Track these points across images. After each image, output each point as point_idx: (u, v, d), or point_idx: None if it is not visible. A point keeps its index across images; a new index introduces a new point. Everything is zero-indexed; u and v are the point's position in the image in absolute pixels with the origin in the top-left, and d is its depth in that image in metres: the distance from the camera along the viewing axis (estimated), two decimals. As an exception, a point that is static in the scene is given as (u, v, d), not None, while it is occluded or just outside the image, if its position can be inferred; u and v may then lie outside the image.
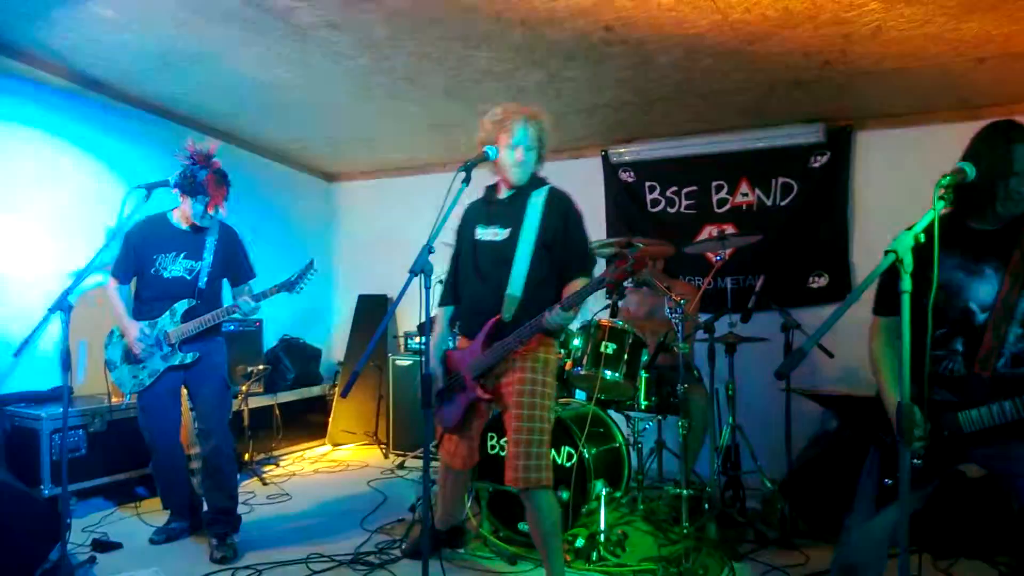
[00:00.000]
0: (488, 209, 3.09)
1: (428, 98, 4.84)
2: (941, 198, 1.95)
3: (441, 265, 3.05)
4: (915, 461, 2.16)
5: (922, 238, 1.87)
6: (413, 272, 2.43)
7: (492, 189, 3.14)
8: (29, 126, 4.55)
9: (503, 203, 3.05)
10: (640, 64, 4.13)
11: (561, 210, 2.96)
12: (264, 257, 4.18)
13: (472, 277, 3.07)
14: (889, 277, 2.19)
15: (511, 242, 2.94)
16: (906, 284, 1.80)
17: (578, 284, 2.84)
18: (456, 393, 3.08)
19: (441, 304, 3.27)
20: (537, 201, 2.97)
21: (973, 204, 2.23)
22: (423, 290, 2.43)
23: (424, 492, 2.49)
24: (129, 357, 3.72)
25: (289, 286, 3.73)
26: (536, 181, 3.05)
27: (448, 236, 3.04)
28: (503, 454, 3.57)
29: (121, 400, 4.42)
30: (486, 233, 3.04)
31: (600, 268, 2.84)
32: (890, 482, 2.23)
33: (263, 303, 3.76)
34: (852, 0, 3.31)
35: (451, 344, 3.29)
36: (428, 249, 2.47)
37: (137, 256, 3.71)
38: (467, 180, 2.79)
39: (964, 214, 2.28)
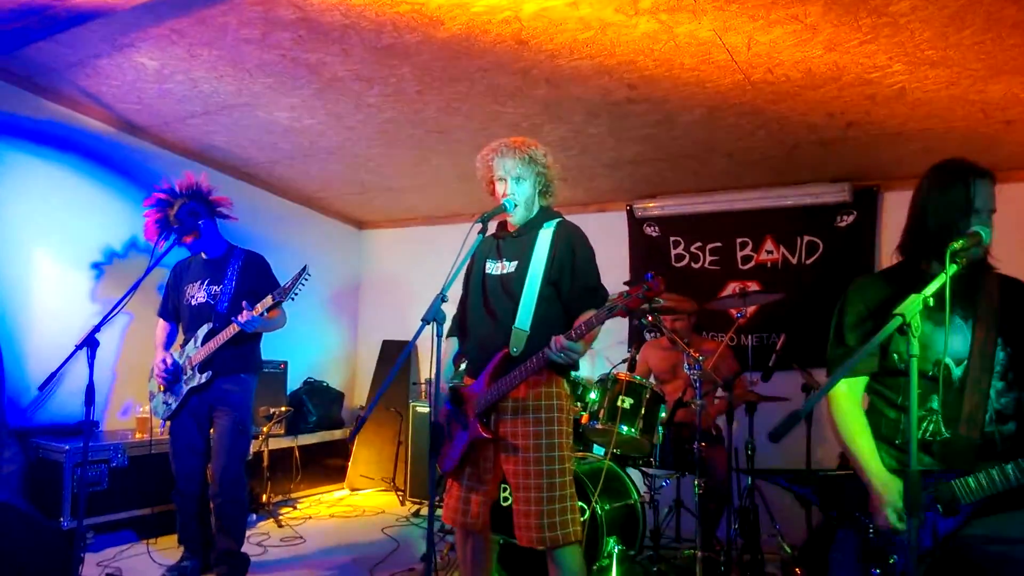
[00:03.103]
0: (499, 244, 2.95)
1: (455, 150, 4.94)
2: (954, 262, 1.89)
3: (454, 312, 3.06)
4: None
5: (931, 302, 1.82)
6: (425, 320, 2.42)
7: (504, 225, 3.01)
8: (70, 166, 4.72)
9: (513, 237, 2.92)
10: (663, 121, 4.19)
11: (569, 243, 2.80)
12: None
13: (479, 313, 2.91)
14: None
15: (519, 275, 2.79)
16: (914, 348, 1.76)
17: (588, 316, 2.63)
18: (457, 432, 2.85)
19: (448, 335, 3.05)
20: (546, 234, 2.82)
21: (931, 249, 2.10)
22: (435, 338, 2.44)
23: (429, 542, 2.44)
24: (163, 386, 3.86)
25: (282, 293, 3.61)
26: (547, 214, 2.90)
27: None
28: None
29: (145, 436, 4.50)
30: (495, 267, 2.90)
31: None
32: (878, 572, 2.00)
33: (287, 329, 3.94)
34: (875, 62, 3.32)
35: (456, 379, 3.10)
36: (441, 298, 2.47)
37: (173, 293, 3.95)
38: (484, 231, 2.82)
39: (919, 261, 2.16)
